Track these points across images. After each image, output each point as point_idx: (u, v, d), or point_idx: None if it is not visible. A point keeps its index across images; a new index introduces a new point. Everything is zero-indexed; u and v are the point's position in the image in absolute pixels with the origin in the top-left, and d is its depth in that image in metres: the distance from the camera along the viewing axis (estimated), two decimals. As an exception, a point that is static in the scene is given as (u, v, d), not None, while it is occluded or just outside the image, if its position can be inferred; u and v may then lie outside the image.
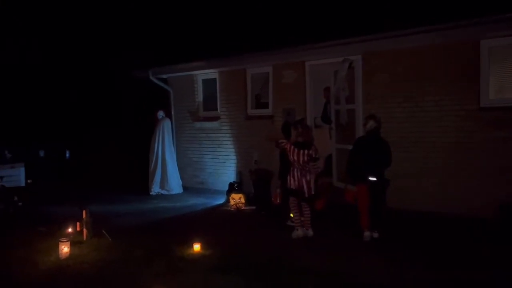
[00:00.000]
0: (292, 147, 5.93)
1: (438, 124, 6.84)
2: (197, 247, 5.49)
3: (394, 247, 5.46)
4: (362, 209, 5.87)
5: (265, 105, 9.10)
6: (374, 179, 5.74)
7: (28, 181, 8.57)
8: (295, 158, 5.88)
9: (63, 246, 5.33)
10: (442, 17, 6.34)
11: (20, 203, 7.64)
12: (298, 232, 6.02)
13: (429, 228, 6.22)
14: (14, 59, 12.99)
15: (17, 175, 8.24)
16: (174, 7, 11.82)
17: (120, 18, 13.13)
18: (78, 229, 6.05)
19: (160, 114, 10.20)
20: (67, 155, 12.19)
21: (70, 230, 6.13)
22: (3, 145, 10.76)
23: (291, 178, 6.00)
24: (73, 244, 5.66)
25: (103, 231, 6.08)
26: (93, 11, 13.46)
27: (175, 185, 10.05)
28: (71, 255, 5.39)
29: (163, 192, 9.88)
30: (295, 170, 5.97)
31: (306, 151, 5.87)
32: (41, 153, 11.49)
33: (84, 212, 6.05)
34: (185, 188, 10.18)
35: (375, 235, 5.84)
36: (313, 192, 5.96)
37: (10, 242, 6.03)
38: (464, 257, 5.06)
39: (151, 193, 9.81)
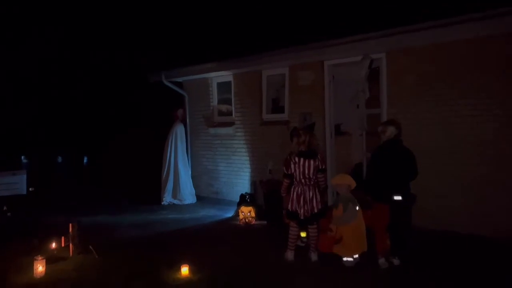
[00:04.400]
0: (296, 158, 5.05)
1: (476, 132, 5.85)
2: (185, 270, 4.81)
3: (418, 277, 4.56)
4: (379, 230, 4.98)
5: (281, 110, 8.36)
6: (399, 198, 4.83)
7: (30, 189, 8.21)
8: (300, 169, 5.01)
9: (38, 265, 4.81)
10: (481, 5, 5.39)
11: (9, 213, 7.22)
12: (288, 254, 5.22)
13: (462, 253, 5.23)
14: (33, 66, 13.00)
15: (18, 183, 7.91)
16: (188, 9, 11.38)
17: (137, 22, 12.88)
18: (63, 244, 5.53)
19: (180, 112, 9.71)
20: (85, 161, 11.94)
21: (54, 245, 5.60)
22: (20, 151, 10.66)
23: (290, 198, 5.15)
24: (55, 261, 5.20)
25: (90, 247, 5.54)
26: (110, 15, 13.30)
27: (187, 194, 9.45)
28: (49, 273, 4.88)
29: (176, 202, 9.30)
30: (296, 187, 5.11)
31: (312, 162, 5.01)
32: (59, 159, 11.27)
33: (70, 226, 5.55)
34: (199, 197, 9.58)
35: (396, 262, 4.93)
36: (316, 211, 5.04)
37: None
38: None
39: (162, 203, 9.26)
